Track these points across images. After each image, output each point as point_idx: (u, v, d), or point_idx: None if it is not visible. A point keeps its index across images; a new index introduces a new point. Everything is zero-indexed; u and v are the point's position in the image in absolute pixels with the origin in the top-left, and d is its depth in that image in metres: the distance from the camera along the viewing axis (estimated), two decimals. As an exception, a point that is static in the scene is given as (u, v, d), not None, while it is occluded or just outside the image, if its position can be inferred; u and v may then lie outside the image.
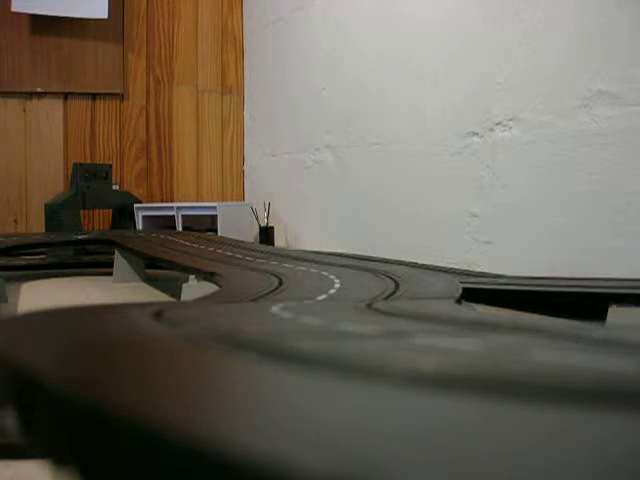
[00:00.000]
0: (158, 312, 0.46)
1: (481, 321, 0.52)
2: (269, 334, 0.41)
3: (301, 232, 2.33)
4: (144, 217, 2.37)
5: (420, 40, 1.74)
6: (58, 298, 1.50)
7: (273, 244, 2.28)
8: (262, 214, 2.35)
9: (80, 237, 1.96)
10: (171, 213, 2.31)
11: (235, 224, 2.29)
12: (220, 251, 1.47)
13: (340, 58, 2.09)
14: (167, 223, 2.35)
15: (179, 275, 1.50)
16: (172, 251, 1.52)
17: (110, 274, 1.75)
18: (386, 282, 0.88)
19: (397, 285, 0.85)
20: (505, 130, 1.46)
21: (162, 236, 1.85)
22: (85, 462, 0.21)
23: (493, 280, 1.07)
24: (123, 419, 0.20)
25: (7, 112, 2.49)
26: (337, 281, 0.87)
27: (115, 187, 2.42)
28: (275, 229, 2.33)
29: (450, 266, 1.45)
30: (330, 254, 1.58)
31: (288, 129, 2.41)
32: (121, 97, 2.61)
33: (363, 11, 1.97)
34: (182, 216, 2.30)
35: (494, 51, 1.49)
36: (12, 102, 2.49)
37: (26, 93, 2.50)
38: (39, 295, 1.55)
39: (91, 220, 2.55)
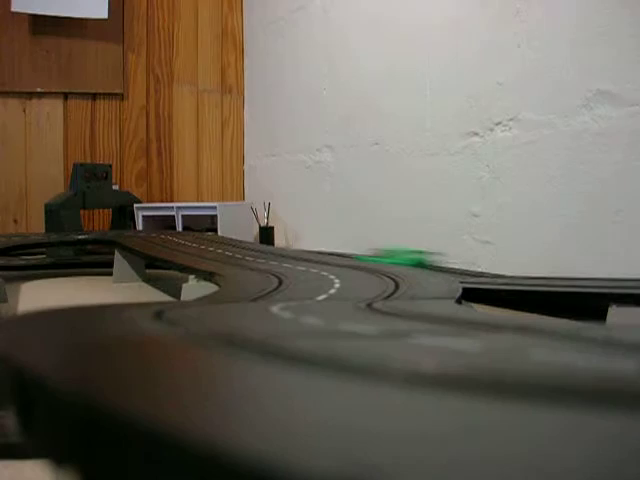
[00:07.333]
0: (158, 312, 0.46)
1: (481, 321, 0.52)
2: (269, 334, 0.41)
3: (301, 232, 2.33)
4: (144, 217, 2.37)
5: (420, 39, 1.74)
6: (58, 298, 1.50)
7: (273, 244, 2.28)
8: (262, 214, 2.35)
9: (80, 237, 1.96)
10: (171, 213, 2.31)
11: (235, 224, 2.29)
12: (220, 251, 1.47)
13: (340, 58, 2.09)
14: (167, 223, 2.35)
15: (179, 275, 1.50)
16: (172, 251, 1.52)
17: (110, 274, 1.75)
18: (386, 282, 0.88)
19: (397, 285, 0.85)
20: (505, 130, 1.46)
21: (162, 236, 1.85)
22: (85, 462, 0.21)
23: (493, 280, 1.07)
24: (123, 419, 0.20)
25: (7, 112, 2.49)
26: (337, 281, 0.87)
27: (115, 187, 2.42)
28: (275, 229, 2.33)
29: (450, 266, 1.45)
30: (330, 254, 1.58)
31: (288, 129, 2.41)
32: (121, 97, 2.61)
33: (363, 10, 1.97)
34: (182, 216, 2.30)
35: (494, 51, 1.50)
36: (12, 102, 2.49)
37: (26, 93, 2.50)
38: (39, 295, 1.55)
39: (91, 220, 2.55)
